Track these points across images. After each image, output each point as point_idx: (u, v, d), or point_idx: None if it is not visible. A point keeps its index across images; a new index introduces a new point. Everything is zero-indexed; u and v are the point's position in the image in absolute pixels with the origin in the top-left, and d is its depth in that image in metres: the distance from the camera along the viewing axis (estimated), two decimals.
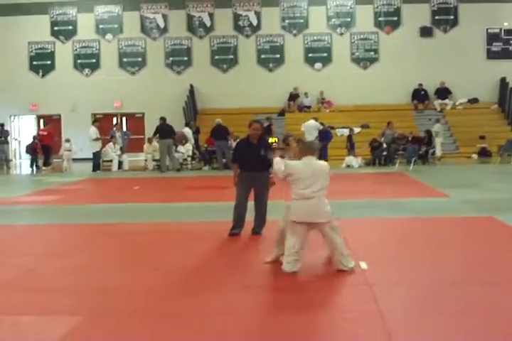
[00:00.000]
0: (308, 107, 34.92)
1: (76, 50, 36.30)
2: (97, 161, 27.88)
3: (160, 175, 25.87)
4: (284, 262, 8.20)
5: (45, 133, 30.03)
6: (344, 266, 8.16)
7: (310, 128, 27.99)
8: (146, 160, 28.93)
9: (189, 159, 28.82)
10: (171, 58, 36.16)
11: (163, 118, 27.63)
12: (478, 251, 9.60)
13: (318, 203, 8.17)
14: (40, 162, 29.57)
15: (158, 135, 27.18)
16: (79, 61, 36.25)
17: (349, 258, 8.25)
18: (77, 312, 6.81)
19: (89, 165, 28.01)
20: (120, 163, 28.46)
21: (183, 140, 28.69)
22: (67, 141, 29.92)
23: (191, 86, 35.10)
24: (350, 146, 28.43)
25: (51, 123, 34.09)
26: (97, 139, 27.94)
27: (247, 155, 11.03)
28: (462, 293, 7.25)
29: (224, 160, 26.76)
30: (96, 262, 9.42)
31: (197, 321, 6.44)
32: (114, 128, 31.35)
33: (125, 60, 36.23)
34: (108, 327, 6.35)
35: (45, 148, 29.21)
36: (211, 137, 27.93)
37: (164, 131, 26.99)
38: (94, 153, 27.93)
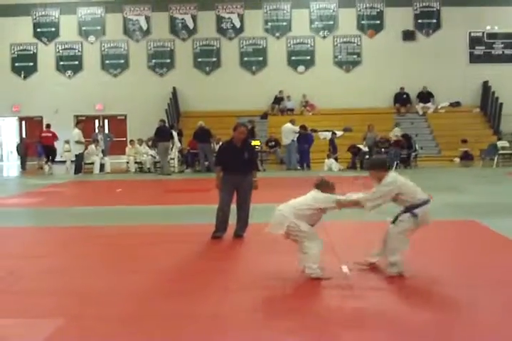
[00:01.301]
0: (291, 110, 34.90)
1: (59, 51, 36.17)
2: (79, 163, 27.76)
3: (145, 177, 25.82)
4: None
5: (49, 134, 29.99)
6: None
7: (286, 132, 27.95)
8: (128, 163, 28.84)
9: (175, 161, 28.70)
10: (153, 60, 36.10)
11: (162, 121, 27.56)
12: (459, 255, 9.63)
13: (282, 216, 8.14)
14: (32, 164, 30.01)
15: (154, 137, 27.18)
16: (61, 63, 36.12)
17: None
18: (59, 314, 6.76)
19: (71, 167, 27.97)
20: (102, 166, 28.33)
21: None
22: (67, 142, 29.81)
23: (174, 88, 35.05)
24: (333, 149, 28.44)
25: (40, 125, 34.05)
26: (80, 142, 27.83)
27: (230, 158, 11.02)
28: (443, 296, 7.26)
29: (206, 163, 26.70)
30: (77, 264, 9.36)
31: (181, 323, 6.43)
32: (97, 131, 31.23)
33: (108, 62, 36.14)
34: (90, 330, 6.30)
35: (48, 149, 29.48)
36: (194, 139, 27.84)
37: (163, 133, 26.86)
38: (76, 156, 27.85)
